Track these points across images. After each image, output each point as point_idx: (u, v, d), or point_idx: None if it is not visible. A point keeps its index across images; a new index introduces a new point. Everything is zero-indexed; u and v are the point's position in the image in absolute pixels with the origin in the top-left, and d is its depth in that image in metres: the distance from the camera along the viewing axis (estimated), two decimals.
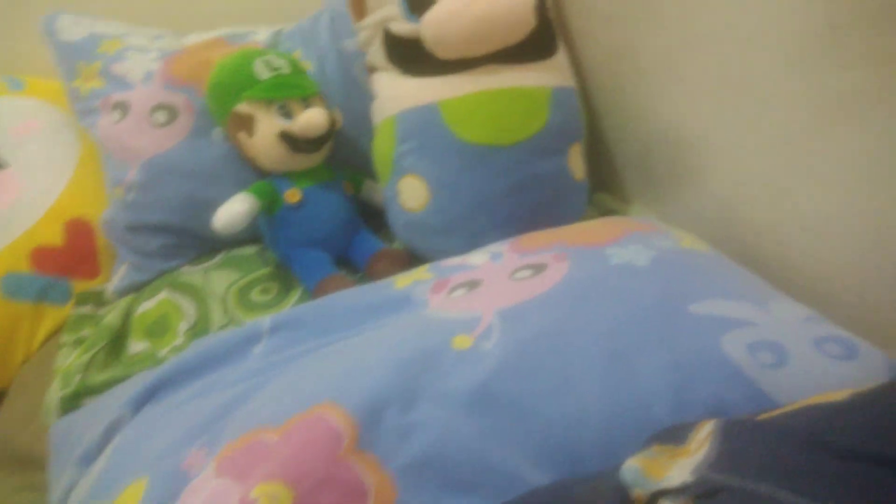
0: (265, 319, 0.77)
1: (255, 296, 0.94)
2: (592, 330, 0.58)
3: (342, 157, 1.00)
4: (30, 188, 1.03)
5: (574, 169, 0.86)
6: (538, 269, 0.68)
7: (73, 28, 1.03)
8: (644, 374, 0.55)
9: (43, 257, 1.02)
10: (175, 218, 0.99)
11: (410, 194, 0.86)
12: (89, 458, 0.70)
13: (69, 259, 1.04)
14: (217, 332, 0.84)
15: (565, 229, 0.76)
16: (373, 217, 1.01)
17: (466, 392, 0.56)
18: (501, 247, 0.76)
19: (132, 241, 1.01)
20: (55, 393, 0.88)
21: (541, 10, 0.81)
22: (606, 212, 0.96)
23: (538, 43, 0.81)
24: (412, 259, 0.91)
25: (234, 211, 0.86)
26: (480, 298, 0.66)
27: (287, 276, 0.96)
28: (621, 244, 0.69)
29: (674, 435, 0.44)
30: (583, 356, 0.56)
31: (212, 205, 0.89)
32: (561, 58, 0.86)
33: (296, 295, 0.93)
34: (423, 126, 0.83)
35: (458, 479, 0.53)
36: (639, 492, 0.39)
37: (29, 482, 0.83)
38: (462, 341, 0.60)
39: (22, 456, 0.87)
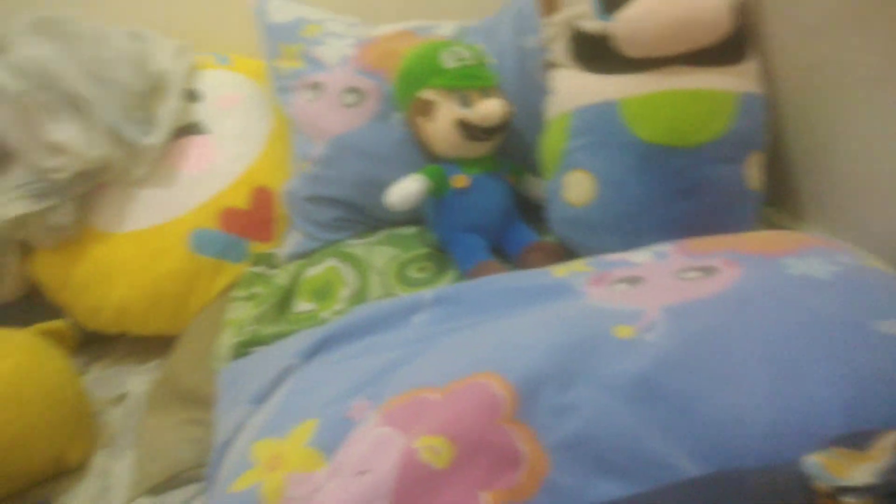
0: (428, 292, 0.81)
1: (413, 272, 0.99)
2: (763, 334, 0.57)
3: (507, 149, 1.03)
4: (226, 154, 1.15)
5: (750, 178, 0.84)
6: (708, 271, 0.67)
7: (281, 11, 1.14)
8: (815, 383, 0.53)
9: (230, 218, 1.13)
10: (350, 193, 1.07)
11: (576, 189, 0.88)
12: (260, 399, 0.77)
13: (251, 222, 1.14)
14: (379, 301, 0.89)
15: (736, 237, 0.74)
16: (526, 211, 1.03)
17: (627, 379, 0.56)
18: (667, 247, 0.76)
19: (309, 211, 1.10)
20: (227, 340, 0.97)
21: (736, 13, 0.79)
22: (774, 227, 0.92)
23: (730, 47, 0.80)
24: (566, 254, 0.92)
25: (408, 189, 0.91)
26: (644, 294, 0.66)
27: (443, 257, 1.00)
28: (800, 256, 0.66)
29: (855, 441, 0.43)
30: (751, 359, 0.55)
31: (384, 184, 0.95)
32: (752, 65, 0.84)
33: (450, 276, 0.97)
34: (599, 122, 0.84)
35: (610, 462, 0.54)
36: (820, 485, 0.38)
37: (195, 417, 0.92)
38: (624, 331, 0.61)
39: (190, 394, 0.96)
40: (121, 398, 1.06)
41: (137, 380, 1.10)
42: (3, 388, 0.82)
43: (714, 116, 0.80)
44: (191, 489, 0.81)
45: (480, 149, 0.97)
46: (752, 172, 0.84)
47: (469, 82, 0.93)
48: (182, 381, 0.99)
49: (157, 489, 0.82)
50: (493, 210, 0.98)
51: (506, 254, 0.99)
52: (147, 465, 0.85)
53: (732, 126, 0.81)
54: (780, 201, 0.94)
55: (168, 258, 1.09)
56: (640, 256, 0.75)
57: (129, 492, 0.83)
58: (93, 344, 1.20)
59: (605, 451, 0.54)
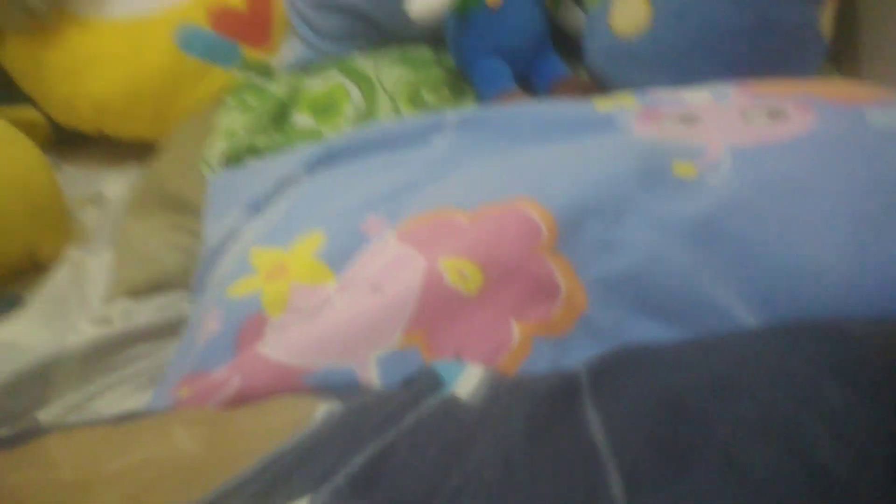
0: (450, 112, 0.73)
1: (426, 95, 0.90)
2: (841, 186, 0.51)
3: None
4: None
5: (824, 25, 0.74)
6: (777, 114, 0.60)
7: None
8: None
9: (223, 16, 1.00)
10: (362, 1, 0.94)
11: (627, 15, 0.77)
12: (257, 205, 0.70)
13: (246, 23, 1.02)
14: (395, 119, 0.81)
15: (809, 81, 0.67)
16: (558, 44, 0.93)
17: (686, 220, 0.50)
18: (727, 87, 0.68)
19: (312, 16, 0.98)
20: (217, 146, 0.89)
21: None
22: None
23: None
24: (601, 93, 0.83)
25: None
26: (705, 130, 0.59)
27: (462, 83, 0.91)
28: (882, 107, 0.59)
29: None
30: (826, 211, 0.49)
31: None
32: None
33: (469, 103, 0.88)
34: None
35: (656, 304, 0.49)
36: None
37: (181, 224, 0.85)
38: (685, 169, 0.54)
39: (176, 200, 0.89)
40: (97, 198, 0.98)
41: (115, 182, 1.02)
42: None
43: None
44: (175, 294, 0.76)
45: None
46: (827, 19, 0.75)
47: None
48: (167, 186, 0.91)
49: (139, 291, 0.77)
50: (523, 34, 0.87)
51: (532, 87, 0.90)
52: (128, 268, 0.79)
53: None
54: (839, 58, 0.86)
55: (151, 52, 0.97)
56: (697, 94, 0.67)
57: (108, 291, 0.78)
58: (67, 143, 1.11)
59: (652, 292, 0.49)
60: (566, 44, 0.93)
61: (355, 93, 0.92)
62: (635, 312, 0.49)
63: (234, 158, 0.87)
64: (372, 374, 0.48)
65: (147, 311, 0.70)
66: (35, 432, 0.38)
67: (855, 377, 0.29)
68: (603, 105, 0.69)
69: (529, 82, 0.90)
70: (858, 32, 0.84)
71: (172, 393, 0.52)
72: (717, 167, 0.54)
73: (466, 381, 0.36)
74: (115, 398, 0.63)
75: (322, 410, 0.35)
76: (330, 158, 0.72)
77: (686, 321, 0.48)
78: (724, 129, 0.59)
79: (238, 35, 1.02)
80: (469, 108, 0.74)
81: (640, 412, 0.30)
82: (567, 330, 0.50)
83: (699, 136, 0.58)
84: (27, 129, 0.91)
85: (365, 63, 0.96)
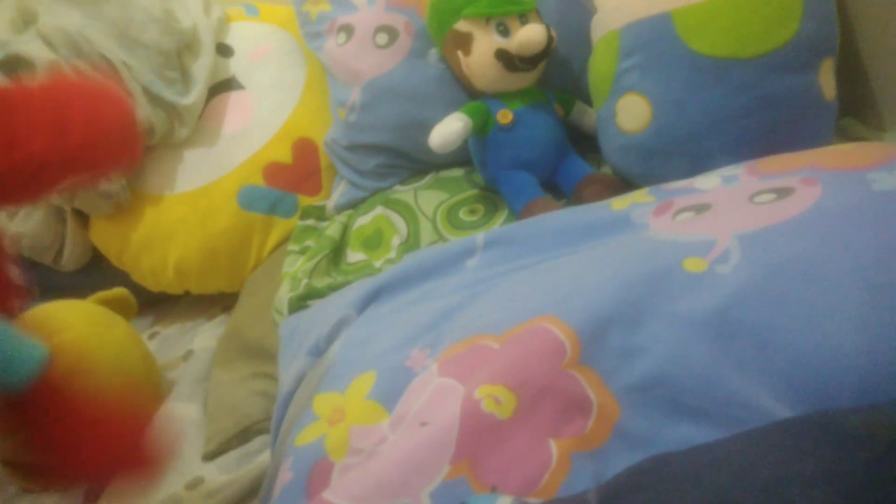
0: (479, 235, 0.78)
1: (463, 215, 0.96)
2: (850, 259, 0.52)
3: (553, 79, 0.97)
4: (263, 108, 1.13)
5: (824, 87, 0.76)
6: (783, 192, 0.62)
7: None
8: None
9: (274, 173, 1.12)
10: (391, 138, 1.03)
11: (630, 114, 0.82)
12: (319, 350, 0.76)
13: (296, 175, 1.13)
14: (431, 246, 0.87)
15: (813, 152, 0.68)
16: (579, 142, 0.98)
17: (702, 316, 0.52)
18: (735, 170, 0.70)
19: (351, 160, 1.07)
20: (285, 294, 0.97)
21: None
22: (855, 140, 0.85)
23: None
24: (624, 185, 0.87)
25: (449, 130, 0.87)
26: (713, 222, 0.62)
27: (494, 197, 0.97)
28: (888, 169, 0.60)
29: None
30: (838, 287, 0.50)
31: (425, 126, 0.91)
32: None
33: (502, 216, 0.93)
34: (652, 38, 0.78)
35: (686, 404, 0.51)
36: None
37: (262, 370, 0.93)
38: (695, 264, 0.57)
39: (254, 348, 0.98)
40: (187, 355, 1.08)
41: (203, 336, 1.13)
42: (67, 360, 0.84)
43: (779, 21, 0.72)
44: (257, 442, 0.83)
45: (523, 80, 0.91)
46: (826, 81, 0.77)
47: (505, 8, 0.87)
48: (246, 335, 1.01)
49: (229, 444, 0.84)
50: (541, 144, 0.93)
51: (559, 190, 0.94)
52: (219, 420, 0.87)
53: (800, 29, 0.73)
54: (858, 111, 0.86)
55: (219, 217, 1.09)
56: (707, 182, 0.70)
57: (205, 447, 0.86)
58: (159, 304, 1.24)
59: (680, 393, 0.51)
60: (590, 142, 0.97)
61: (399, 223, 0.99)
62: (668, 415, 0.51)
63: (299, 302, 0.95)
64: None
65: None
66: None
67: (840, 482, 0.30)
68: (618, 204, 0.73)
69: (556, 186, 0.94)
70: (872, 83, 0.85)
71: None
72: (727, 257, 0.56)
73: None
74: None
75: None
76: (378, 295, 0.78)
77: (717, 418, 0.49)
78: (732, 217, 0.61)
79: (291, 186, 1.13)
80: (496, 229, 0.79)
81: None
82: (604, 441, 0.52)
83: (709, 228, 0.60)
84: (118, 306, 1.03)
85: (405, 193, 1.04)
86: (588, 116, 0.97)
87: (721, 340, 0.51)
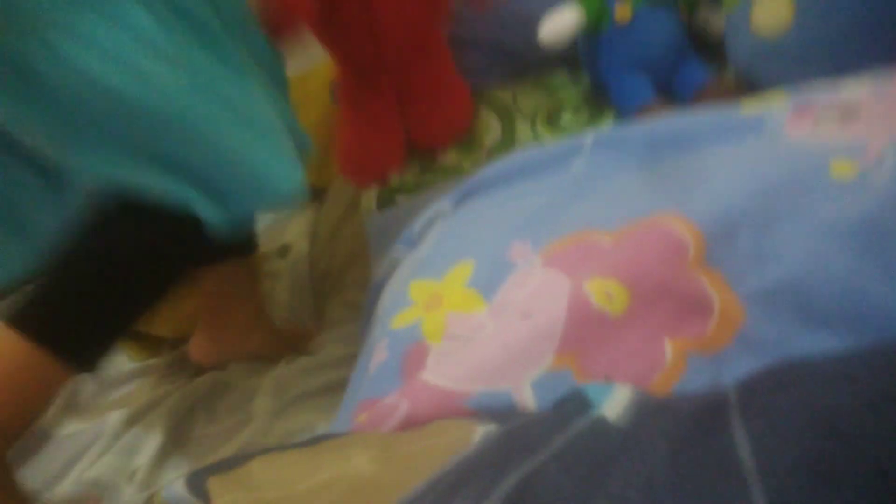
0: (587, 135, 0.74)
1: (565, 118, 0.92)
2: None
3: None
4: None
5: None
6: None
7: None
8: None
9: None
10: (494, 33, 0.98)
11: (768, 13, 0.74)
12: (412, 241, 0.75)
13: None
14: (532, 146, 0.83)
15: None
16: (700, 50, 0.90)
17: (847, 223, 0.48)
18: (886, 77, 0.63)
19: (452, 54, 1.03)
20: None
21: None
22: None
23: None
24: (749, 95, 0.80)
25: (563, 22, 0.82)
26: (865, 125, 0.55)
27: (600, 101, 0.92)
28: None
29: None
30: None
31: (531, 21, 0.85)
32: None
33: (609, 121, 0.89)
34: None
35: (820, 311, 0.46)
36: None
37: None
38: (843, 168, 0.51)
39: None
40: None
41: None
42: None
43: None
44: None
45: None
46: None
47: None
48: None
49: None
50: (660, 46, 0.86)
51: (676, 97, 0.88)
52: None
53: None
54: None
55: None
56: (854, 86, 0.63)
57: None
58: None
59: (815, 299, 0.46)
60: (709, 48, 0.90)
61: (493, 122, 0.96)
62: (798, 323, 0.47)
63: (389, 198, 0.94)
64: (527, 397, 0.50)
65: None
66: (243, 458, 0.45)
67: None
68: (750, 107, 0.67)
69: (672, 92, 0.88)
70: None
71: (352, 418, 0.57)
72: (881, 163, 0.50)
73: (615, 403, 0.37)
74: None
75: (480, 433, 0.38)
76: (475, 191, 0.75)
77: (854, 329, 0.45)
78: (886, 123, 0.55)
79: None
80: (606, 128, 0.74)
81: (790, 432, 0.29)
82: (724, 346, 0.49)
83: (859, 132, 0.54)
84: None
85: (503, 94, 0.99)
86: (715, 18, 0.89)
87: (869, 249, 0.46)
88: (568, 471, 0.30)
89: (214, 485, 0.39)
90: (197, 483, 0.42)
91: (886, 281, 0.45)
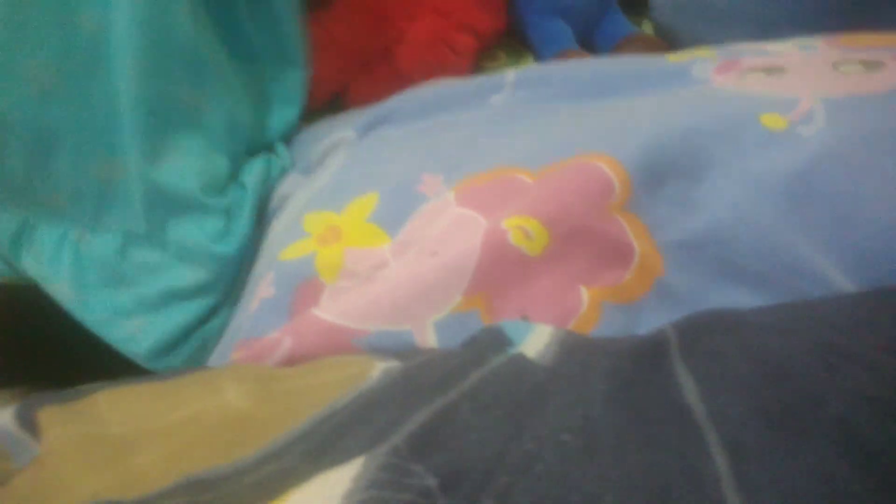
0: (508, 72, 0.69)
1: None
2: None
3: None
4: None
5: None
6: (872, 66, 0.54)
7: None
8: None
9: None
10: None
11: None
12: (309, 169, 0.68)
13: None
14: (449, 80, 0.77)
15: None
16: (623, 5, 0.88)
17: (776, 176, 0.46)
18: (813, 40, 0.62)
19: None
20: None
21: None
22: None
23: None
24: (671, 50, 0.78)
25: None
26: (793, 82, 0.54)
27: (517, 45, 0.87)
28: None
29: None
30: None
31: None
32: None
33: (527, 65, 0.84)
34: None
35: (742, 267, 0.45)
36: None
37: None
38: (774, 120, 0.49)
39: None
40: None
41: None
42: None
43: None
44: None
45: None
46: None
47: None
48: None
49: None
50: None
51: (596, 48, 0.85)
52: None
53: None
54: None
55: None
56: (781, 46, 0.62)
57: None
58: None
59: (738, 254, 0.45)
60: (631, 4, 0.88)
61: None
62: (718, 277, 0.45)
63: None
64: (429, 338, 0.45)
65: None
66: (87, 390, 0.37)
67: None
68: (676, 57, 0.64)
69: (592, 43, 0.85)
70: None
71: (227, 358, 0.50)
72: (810, 118, 0.49)
73: (535, 340, 0.33)
74: None
75: (379, 369, 0.33)
76: (383, 121, 0.69)
77: (775, 286, 0.44)
78: (814, 81, 0.54)
79: None
80: (528, 67, 0.70)
81: (739, 378, 0.26)
82: (641, 296, 0.46)
83: (788, 88, 0.53)
84: None
85: None
86: None
87: (794, 204, 0.45)
88: (485, 409, 0.26)
89: (46, 416, 0.32)
90: (25, 414, 0.35)
91: (808, 239, 0.44)
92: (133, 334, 0.58)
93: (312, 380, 0.33)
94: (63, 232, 0.58)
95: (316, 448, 0.25)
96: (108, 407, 0.33)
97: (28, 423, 0.34)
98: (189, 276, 0.59)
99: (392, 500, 0.23)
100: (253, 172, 0.64)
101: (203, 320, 0.60)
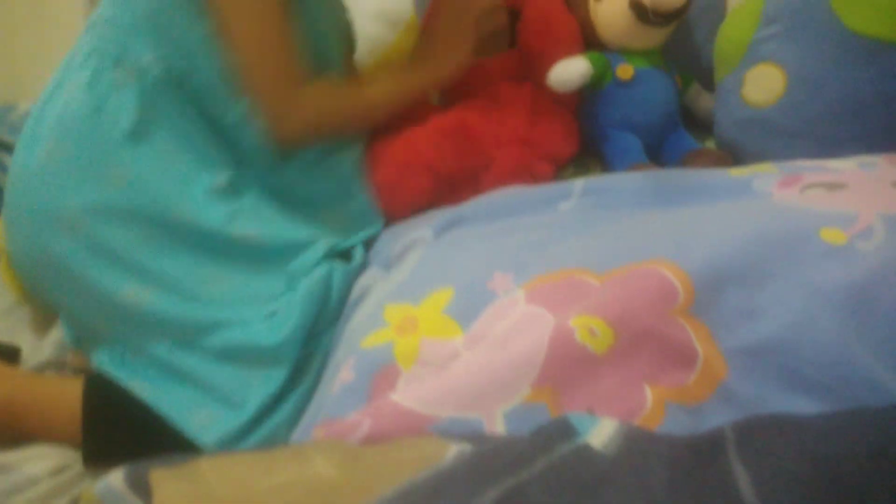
0: (576, 181, 0.74)
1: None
2: None
3: (675, 50, 0.91)
4: None
5: None
6: None
7: None
8: None
9: None
10: None
11: (761, 85, 0.77)
12: (388, 265, 0.73)
13: None
14: (518, 187, 0.82)
15: None
16: (688, 125, 0.93)
17: (836, 287, 0.48)
18: (874, 158, 0.65)
19: None
20: None
21: None
22: None
23: None
24: (734, 164, 0.81)
25: (572, 69, 0.83)
26: (852, 199, 0.56)
27: (587, 159, 0.92)
28: None
29: None
30: None
31: None
32: None
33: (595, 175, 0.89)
34: (802, 6, 0.72)
35: (803, 375, 0.46)
36: None
37: None
38: (834, 235, 0.52)
39: None
40: None
41: None
42: None
43: None
44: None
45: (650, 39, 0.86)
46: None
47: None
48: None
49: None
50: (655, 108, 0.88)
51: (664, 163, 0.89)
52: None
53: None
54: None
55: None
56: (840, 164, 0.64)
57: None
58: None
59: (798, 363, 0.46)
60: (696, 125, 0.92)
61: None
62: (779, 384, 0.47)
63: None
64: (498, 427, 0.47)
65: None
66: (189, 457, 0.41)
67: None
68: (738, 171, 0.68)
69: (660, 157, 0.89)
70: None
71: (310, 436, 0.54)
72: (870, 233, 0.51)
73: (600, 432, 0.35)
74: None
75: (454, 451, 0.36)
76: (458, 222, 0.74)
77: (835, 395, 0.45)
78: (874, 198, 0.56)
79: None
80: (596, 176, 0.75)
81: (793, 477, 0.28)
82: (704, 398, 0.47)
83: (848, 204, 0.55)
84: None
85: None
86: (703, 98, 0.92)
87: (855, 316, 0.46)
88: (552, 492, 0.28)
89: (156, 477, 0.36)
90: (136, 476, 0.39)
91: (869, 351, 0.45)
92: (204, 424, 0.63)
93: (393, 456, 0.36)
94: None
95: None
96: (211, 471, 0.37)
97: (138, 485, 0.38)
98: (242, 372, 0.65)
99: None
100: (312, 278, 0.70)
101: (267, 411, 0.64)
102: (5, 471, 0.65)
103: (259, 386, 0.64)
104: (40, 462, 0.66)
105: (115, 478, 0.40)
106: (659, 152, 0.89)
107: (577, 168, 0.92)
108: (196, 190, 0.68)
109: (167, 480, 0.36)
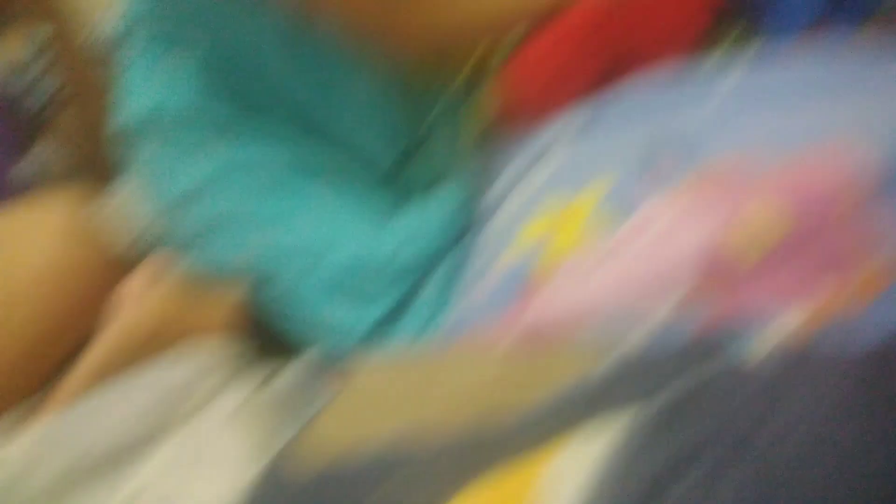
0: (742, 53, 0.66)
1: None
2: None
3: None
4: None
5: None
6: None
7: None
8: None
9: None
10: None
11: None
12: (535, 156, 0.71)
13: None
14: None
15: None
16: None
17: None
18: None
19: None
20: None
21: None
22: None
23: None
24: None
25: None
26: None
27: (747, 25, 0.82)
28: None
29: None
30: None
31: None
32: None
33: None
34: None
35: None
36: None
37: None
38: None
39: None
40: None
41: None
42: None
43: None
44: None
45: None
46: None
47: None
48: None
49: None
50: None
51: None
52: None
53: None
54: None
55: None
56: None
57: None
58: None
59: None
60: None
61: None
62: None
63: None
64: (650, 331, 0.46)
65: None
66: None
67: None
68: None
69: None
70: None
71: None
72: None
73: (770, 337, 0.34)
74: None
75: (611, 355, 0.36)
76: (609, 106, 0.70)
77: None
78: None
79: None
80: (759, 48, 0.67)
81: None
82: (873, 298, 0.43)
83: None
84: None
85: None
86: None
87: None
88: (730, 392, 0.28)
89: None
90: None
91: None
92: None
93: (549, 361, 0.37)
94: None
95: (594, 393, 0.29)
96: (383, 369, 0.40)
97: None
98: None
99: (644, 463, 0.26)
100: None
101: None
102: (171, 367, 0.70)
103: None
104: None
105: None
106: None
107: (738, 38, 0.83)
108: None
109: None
